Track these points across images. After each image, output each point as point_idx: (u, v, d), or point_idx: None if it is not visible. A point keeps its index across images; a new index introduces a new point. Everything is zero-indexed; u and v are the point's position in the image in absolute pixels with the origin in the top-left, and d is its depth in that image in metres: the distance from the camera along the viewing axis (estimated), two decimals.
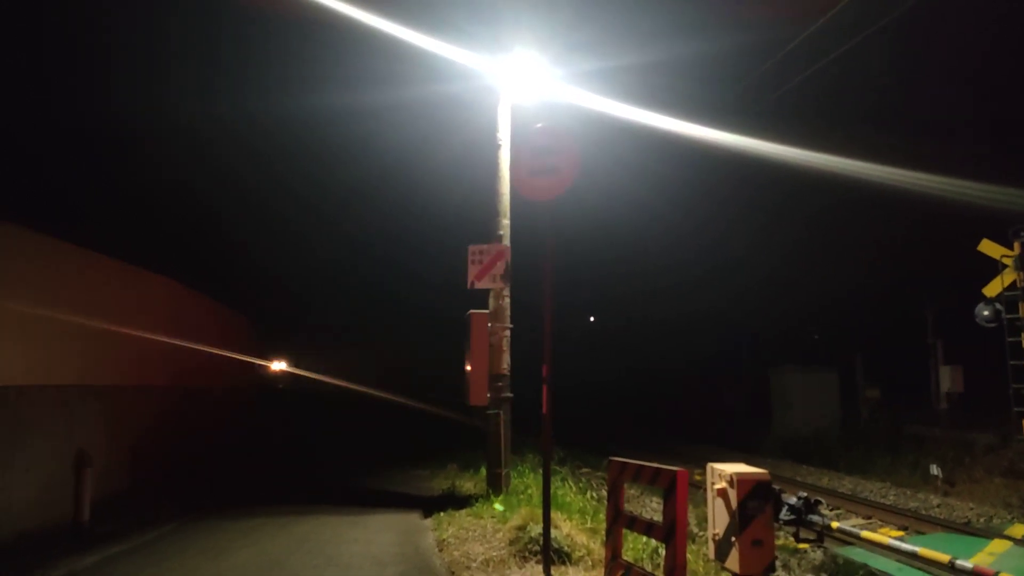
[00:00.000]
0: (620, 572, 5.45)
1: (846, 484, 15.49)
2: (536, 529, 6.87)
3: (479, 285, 9.54)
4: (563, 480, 10.72)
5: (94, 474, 8.36)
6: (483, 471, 10.45)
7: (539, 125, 6.80)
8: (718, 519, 5.32)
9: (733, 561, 5.09)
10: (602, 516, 7.60)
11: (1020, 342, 12.21)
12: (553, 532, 6.50)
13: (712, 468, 5.55)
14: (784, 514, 10.18)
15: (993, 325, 12.75)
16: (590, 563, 6.45)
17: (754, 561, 5.02)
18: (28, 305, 7.68)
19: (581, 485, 10.89)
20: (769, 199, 27.89)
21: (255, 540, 7.92)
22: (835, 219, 26.18)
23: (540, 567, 6.31)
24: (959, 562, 8.12)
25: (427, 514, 9.22)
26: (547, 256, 6.63)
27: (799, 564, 8.68)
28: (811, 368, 23.73)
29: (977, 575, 7.86)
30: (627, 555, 5.95)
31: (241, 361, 18.54)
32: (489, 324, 9.75)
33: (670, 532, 4.79)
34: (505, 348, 9.80)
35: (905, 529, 11.02)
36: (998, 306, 12.62)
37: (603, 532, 6.28)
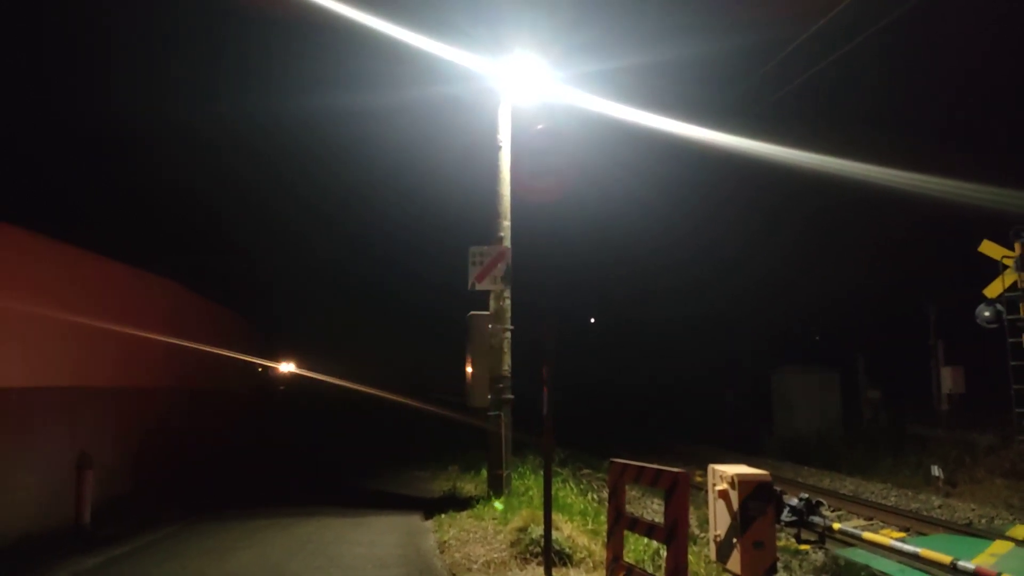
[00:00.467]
0: (621, 574, 5.46)
1: (847, 485, 15.47)
2: (537, 531, 6.87)
3: (480, 287, 9.54)
4: (564, 482, 10.72)
5: (96, 476, 8.37)
6: (484, 472, 10.46)
7: (539, 127, 6.83)
8: (719, 520, 5.33)
9: (735, 562, 5.10)
10: (603, 518, 7.60)
11: (1021, 343, 12.22)
12: (554, 534, 6.51)
13: (713, 469, 5.55)
14: (785, 515, 10.19)
15: (994, 326, 12.76)
16: (591, 565, 6.44)
17: (755, 562, 5.03)
18: (30, 307, 7.69)
19: (582, 487, 10.90)
20: (770, 200, 27.91)
21: (257, 542, 7.93)
22: (835, 220, 26.20)
23: (541, 569, 6.31)
24: (961, 563, 8.12)
25: (428, 516, 9.22)
26: (549, 256, 6.63)
27: (800, 565, 8.66)
28: (812, 369, 23.71)
29: None
30: (628, 557, 5.95)
31: (243, 363, 18.56)
32: (490, 326, 9.75)
33: (671, 533, 4.79)
34: (506, 349, 9.80)
35: (907, 530, 11.01)
36: (999, 307, 12.64)
37: (604, 534, 6.29)
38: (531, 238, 8.63)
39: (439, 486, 11.79)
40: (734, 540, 5.10)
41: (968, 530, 10.84)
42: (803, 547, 9.56)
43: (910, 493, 14.08)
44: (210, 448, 14.40)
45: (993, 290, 12.83)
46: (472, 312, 9.93)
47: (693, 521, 9.71)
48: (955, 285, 18.26)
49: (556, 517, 7.27)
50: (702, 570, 6.37)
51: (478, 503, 9.33)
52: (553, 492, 7.00)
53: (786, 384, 23.89)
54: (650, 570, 5.81)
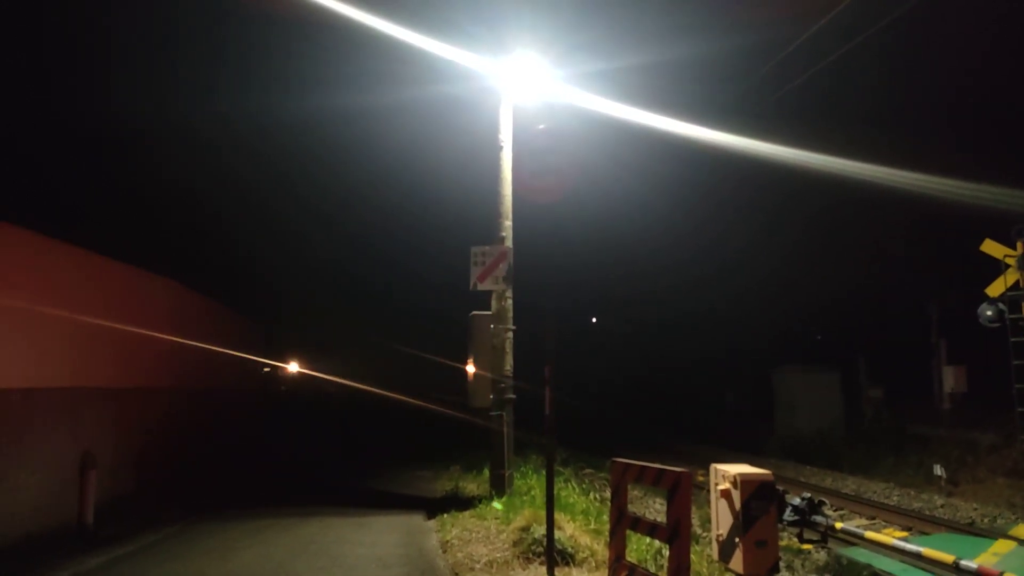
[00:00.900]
0: (624, 573, 5.45)
1: (849, 485, 15.46)
2: (539, 530, 6.88)
3: (482, 287, 9.54)
4: (566, 481, 10.71)
5: (99, 476, 8.39)
6: (486, 472, 10.46)
7: (541, 127, 6.82)
8: (722, 520, 5.33)
9: (737, 562, 5.10)
10: (605, 517, 7.60)
11: (1023, 342, 12.21)
12: (557, 533, 6.51)
13: (716, 469, 5.55)
14: (788, 515, 10.18)
15: (996, 325, 12.76)
16: (594, 564, 6.44)
17: (758, 562, 5.03)
18: (33, 308, 7.70)
19: (584, 486, 10.89)
20: (770, 199, 27.89)
21: (260, 542, 7.93)
22: (837, 219, 26.17)
23: (544, 568, 6.31)
24: (963, 562, 8.10)
25: (431, 515, 9.23)
26: (551, 256, 6.64)
27: (803, 565, 8.67)
28: (813, 368, 23.70)
29: (981, 575, 7.84)
30: (631, 556, 5.95)
31: (245, 363, 18.56)
32: (491, 325, 9.75)
33: (674, 533, 4.79)
34: (508, 349, 9.80)
35: (909, 530, 11.00)
36: (1001, 306, 12.63)
37: (607, 533, 6.28)
38: (532, 238, 8.62)
39: (441, 486, 11.79)
40: (736, 539, 5.10)
41: (971, 529, 10.83)
42: (805, 546, 9.56)
43: (912, 492, 14.07)
44: (212, 448, 14.40)
45: (995, 289, 12.82)
46: (474, 312, 9.93)
47: (695, 521, 9.71)
48: (957, 284, 18.26)
49: (558, 517, 7.27)
50: (704, 569, 6.36)
51: (480, 503, 9.33)
52: (555, 492, 7.00)
53: (787, 384, 23.87)
54: (652, 569, 5.81)
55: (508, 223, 10.00)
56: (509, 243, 9.90)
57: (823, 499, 11.85)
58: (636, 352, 39.74)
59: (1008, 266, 12.51)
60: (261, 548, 7.63)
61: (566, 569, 6.33)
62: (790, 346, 28.87)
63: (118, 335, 9.71)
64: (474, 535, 7.78)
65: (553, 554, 6.25)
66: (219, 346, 14.59)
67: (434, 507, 9.65)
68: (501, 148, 10.11)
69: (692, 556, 5.35)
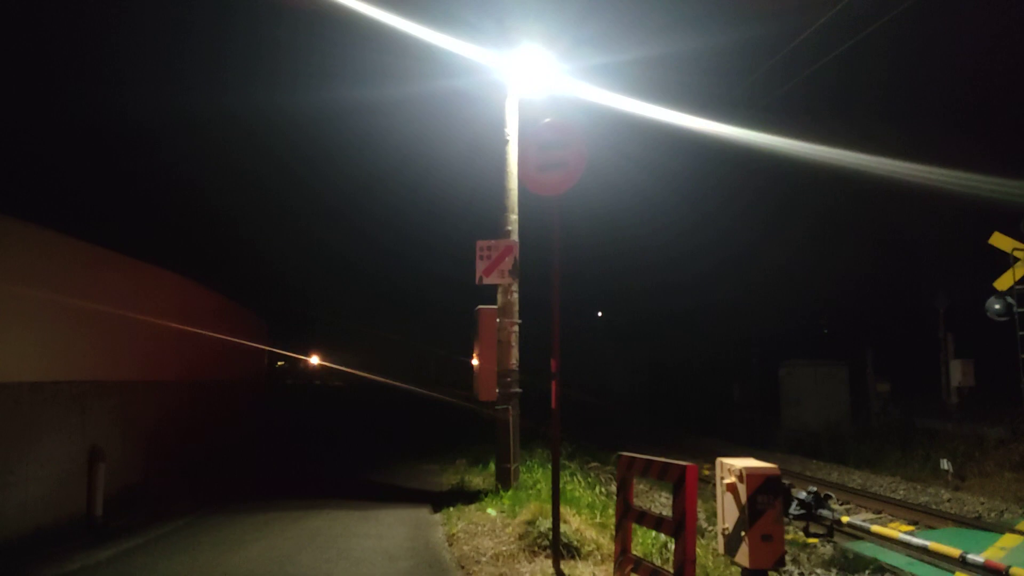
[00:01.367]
0: (629, 567, 5.47)
1: (856, 479, 15.45)
2: (545, 524, 6.89)
3: (487, 281, 9.55)
4: (572, 475, 10.74)
5: (107, 469, 8.45)
6: (492, 466, 10.48)
7: (547, 120, 6.79)
8: (728, 514, 5.33)
9: (743, 556, 5.10)
10: (611, 511, 7.61)
11: None
12: (562, 527, 6.52)
13: (722, 463, 5.55)
14: (794, 509, 10.16)
15: (1004, 319, 12.68)
16: (599, 558, 6.46)
17: (764, 555, 5.03)
18: (42, 302, 7.75)
19: (590, 480, 10.90)
20: (778, 193, 27.83)
21: (267, 534, 7.98)
22: (844, 213, 26.09)
23: (550, 562, 6.33)
24: (970, 557, 8.08)
25: (437, 509, 9.26)
26: (555, 250, 6.64)
27: (809, 559, 8.68)
28: (820, 362, 23.65)
29: (988, 570, 7.82)
30: (636, 550, 5.97)
31: (253, 356, 18.65)
32: (497, 320, 9.76)
33: (679, 527, 4.80)
34: (513, 343, 9.82)
35: (915, 524, 10.99)
36: (1009, 299, 12.55)
37: (612, 527, 6.30)
38: (539, 232, 8.61)
39: (447, 479, 11.83)
40: (742, 533, 5.10)
41: (977, 523, 10.81)
42: (811, 540, 9.55)
43: (919, 487, 14.05)
44: (221, 440, 14.48)
45: (1003, 283, 12.75)
46: (480, 306, 9.95)
47: (701, 514, 9.72)
48: (965, 278, 18.18)
49: (564, 510, 7.28)
50: (710, 563, 6.38)
51: (486, 496, 9.36)
52: (561, 485, 7.01)
53: (794, 378, 23.84)
54: (658, 563, 5.82)
55: (514, 217, 10.00)
56: (515, 237, 9.90)
57: (829, 493, 11.81)
58: (642, 346, 39.73)
59: (1017, 259, 12.43)
60: (269, 540, 7.68)
61: (572, 562, 6.35)
62: (797, 340, 28.83)
63: (127, 328, 9.76)
64: (480, 528, 7.81)
65: (559, 547, 6.27)
66: (228, 340, 14.65)
67: (440, 500, 9.69)
68: (507, 142, 10.10)
69: (698, 550, 5.36)
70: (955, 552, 8.30)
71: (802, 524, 10.12)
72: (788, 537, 8.87)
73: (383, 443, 18.61)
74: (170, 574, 6.51)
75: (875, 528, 10.04)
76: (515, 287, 9.86)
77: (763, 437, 22.29)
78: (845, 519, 10.47)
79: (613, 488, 8.84)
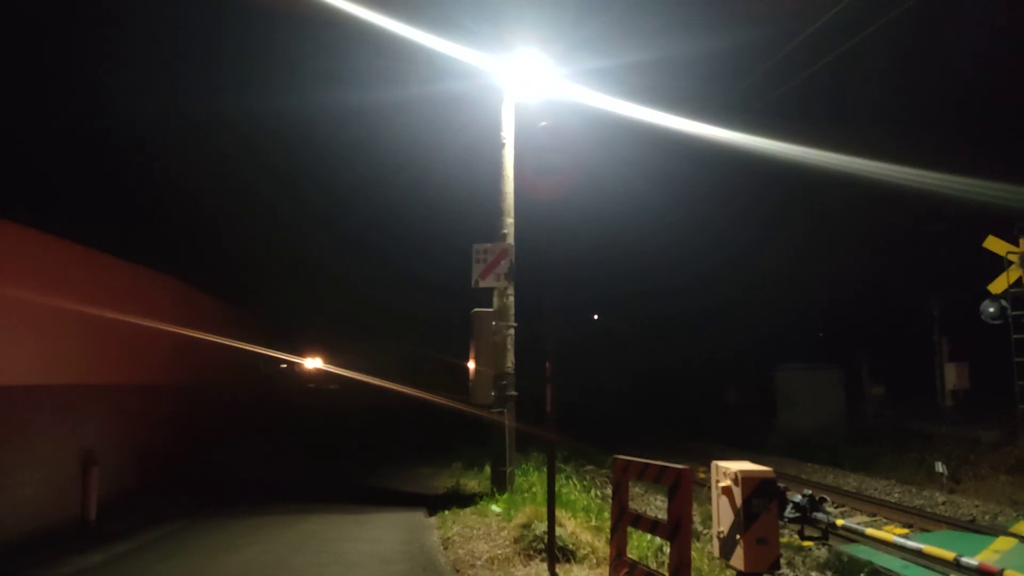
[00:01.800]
0: (624, 570, 5.46)
1: (851, 482, 15.47)
2: (540, 527, 6.88)
3: (483, 284, 9.55)
4: (567, 478, 10.73)
5: (100, 473, 8.42)
6: (487, 469, 10.47)
7: (543, 124, 6.80)
8: (723, 517, 5.33)
9: (738, 559, 5.10)
10: (606, 514, 7.61)
11: None
12: (558, 530, 6.51)
13: (717, 466, 5.56)
14: (789, 512, 10.20)
15: (999, 322, 12.75)
16: (595, 561, 6.45)
17: (759, 559, 5.03)
18: (35, 305, 7.72)
19: (585, 483, 10.90)
20: (773, 196, 27.88)
21: (261, 538, 7.96)
22: (839, 216, 26.15)
23: (545, 565, 6.32)
24: (964, 559, 8.11)
25: (432, 512, 9.24)
26: (550, 254, 6.64)
27: (804, 562, 8.68)
28: (815, 366, 23.71)
29: (982, 572, 7.85)
30: (632, 553, 5.96)
31: (246, 360, 18.59)
32: (493, 323, 9.76)
33: (675, 530, 4.80)
34: (509, 347, 9.81)
35: (910, 527, 11.00)
36: (1003, 303, 12.62)
37: (608, 530, 6.29)
38: (535, 236, 8.62)
39: (442, 483, 11.81)
40: (737, 536, 5.10)
41: (972, 526, 10.83)
42: (806, 543, 9.57)
43: (914, 489, 14.07)
44: (215, 444, 14.43)
45: (998, 286, 12.81)
46: (476, 309, 9.94)
47: (696, 518, 9.71)
48: (959, 281, 18.24)
49: (559, 514, 7.28)
50: (705, 566, 6.38)
51: (481, 499, 9.35)
52: (557, 489, 7.01)
53: (789, 381, 23.90)
54: (653, 566, 5.82)
55: (510, 220, 10.00)
56: (511, 240, 9.90)
57: (824, 496, 11.86)
58: (638, 349, 39.74)
59: (1011, 263, 12.49)
60: (262, 544, 7.66)
61: (567, 566, 6.34)
62: (792, 343, 28.89)
63: (120, 332, 9.73)
64: (475, 532, 7.79)
65: (554, 551, 6.26)
66: (222, 343, 14.61)
67: (435, 504, 9.67)
68: (503, 145, 10.11)
69: (693, 553, 5.35)
70: (949, 555, 8.33)
71: (797, 527, 10.15)
72: (783, 540, 8.88)
73: (378, 446, 18.58)
74: None
75: (870, 531, 10.08)
76: (511, 290, 9.86)
77: (758, 440, 22.31)
78: (840, 522, 10.50)
79: (608, 491, 8.84)
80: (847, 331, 26.86)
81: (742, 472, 5.15)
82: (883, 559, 8.84)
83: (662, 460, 5.45)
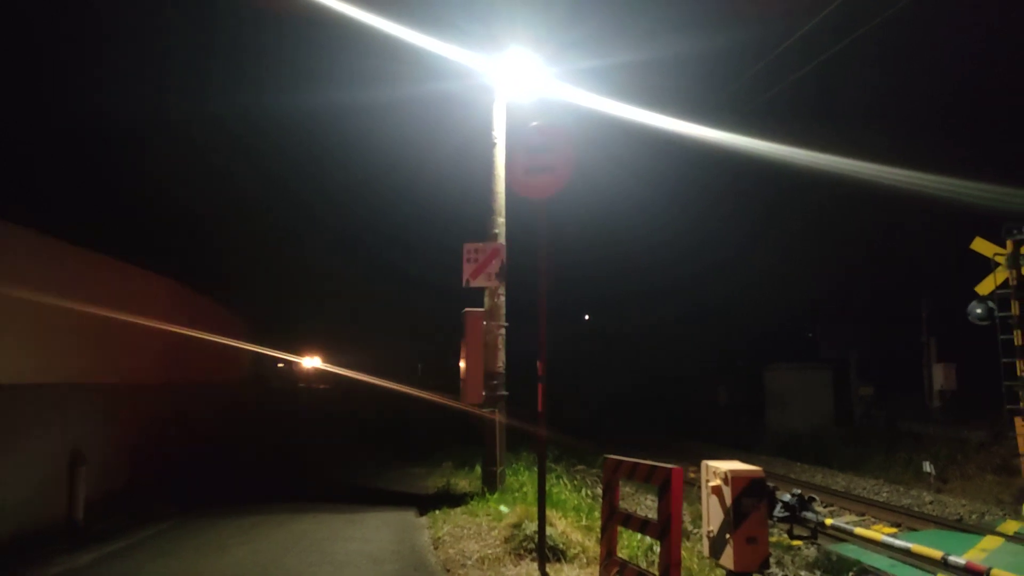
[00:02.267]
0: (615, 570, 5.48)
1: (840, 481, 15.56)
2: (531, 527, 6.89)
3: (474, 283, 9.55)
4: (558, 478, 10.75)
5: (89, 472, 8.36)
6: (478, 469, 10.47)
7: (534, 123, 6.81)
8: (713, 516, 5.35)
9: (728, 558, 5.12)
10: (597, 514, 7.62)
11: (1012, 340, 12.28)
12: (548, 530, 6.52)
13: (707, 465, 5.57)
14: (778, 511, 10.20)
15: (986, 323, 12.82)
16: (585, 560, 6.47)
17: (748, 558, 5.05)
18: (22, 303, 7.66)
19: (576, 483, 10.92)
20: (763, 197, 28.03)
21: (252, 538, 7.92)
22: (829, 217, 26.31)
23: (535, 565, 6.32)
24: (951, 558, 8.14)
25: (422, 512, 9.23)
26: (541, 253, 6.65)
27: (793, 561, 8.72)
28: (805, 366, 23.82)
29: (969, 571, 7.89)
30: (622, 552, 5.97)
31: (237, 359, 18.53)
32: (484, 322, 9.76)
33: (665, 529, 4.81)
34: (500, 346, 9.82)
35: (898, 526, 11.08)
36: (991, 304, 12.68)
37: (598, 530, 6.30)
38: (526, 235, 8.63)
39: (433, 482, 11.80)
40: (727, 536, 5.12)
41: (959, 526, 10.92)
42: (795, 543, 9.60)
43: (902, 489, 14.17)
44: (205, 443, 14.37)
45: (985, 287, 12.88)
46: (467, 309, 9.94)
47: (686, 517, 9.74)
48: (947, 282, 18.38)
49: (550, 513, 7.29)
50: (695, 565, 6.40)
51: (472, 499, 9.34)
52: (547, 488, 7.01)
53: (779, 381, 24.01)
54: (644, 566, 5.83)
55: (501, 220, 10.01)
56: (502, 240, 9.91)
57: (813, 496, 11.86)
58: (629, 349, 39.82)
59: (998, 264, 12.56)
60: (253, 544, 7.63)
61: (558, 565, 6.35)
62: (782, 343, 29.03)
63: (108, 331, 9.67)
64: (466, 532, 7.79)
65: (545, 550, 6.27)
66: (212, 343, 14.55)
67: (426, 503, 9.66)
68: (494, 145, 10.11)
69: (683, 552, 5.37)
70: (937, 554, 8.37)
71: (786, 526, 10.14)
72: (772, 539, 8.90)
73: (369, 445, 18.53)
74: None
75: (858, 530, 10.10)
76: (502, 290, 9.86)
77: (748, 440, 22.41)
78: (829, 521, 10.52)
79: (599, 491, 8.85)
80: (836, 331, 27.01)
81: (732, 471, 5.16)
82: (871, 558, 8.90)
83: (652, 459, 5.47)
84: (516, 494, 9.25)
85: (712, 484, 5.34)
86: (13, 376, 7.57)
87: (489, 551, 6.89)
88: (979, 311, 12.81)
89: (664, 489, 4.90)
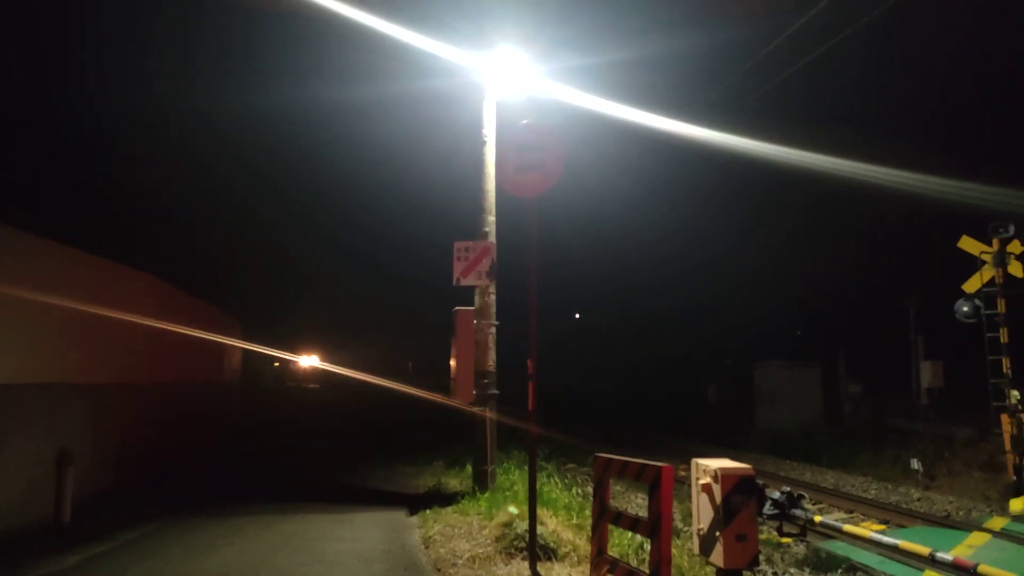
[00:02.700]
0: (606, 568, 5.48)
1: (828, 478, 15.63)
2: (522, 525, 6.89)
3: (465, 282, 9.52)
4: (549, 476, 10.74)
5: (76, 473, 8.29)
6: (469, 468, 10.46)
7: (524, 122, 6.80)
8: (703, 514, 5.36)
9: (717, 555, 5.13)
10: (588, 512, 7.63)
11: (999, 338, 12.39)
12: (539, 528, 6.52)
13: (697, 463, 5.58)
14: (768, 508, 10.24)
15: (972, 321, 12.92)
16: (576, 559, 6.47)
17: (738, 555, 5.06)
18: (7, 301, 7.58)
19: (567, 481, 10.92)
20: (752, 196, 28.17)
21: (241, 538, 7.88)
22: (817, 216, 26.47)
23: (526, 563, 6.32)
24: (939, 555, 8.21)
25: (413, 511, 9.21)
26: (532, 252, 6.64)
27: (782, 558, 8.76)
28: (794, 364, 23.92)
29: (957, 567, 7.95)
30: (613, 551, 5.98)
31: (227, 358, 18.42)
32: (475, 321, 9.74)
33: (655, 527, 4.82)
34: (491, 345, 9.80)
35: (887, 523, 11.14)
36: (977, 302, 12.79)
37: (589, 528, 6.31)
38: (516, 234, 8.63)
39: (424, 482, 11.78)
40: (717, 533, 5.13)
41: (946, 522, 10.99)
42: (785, 540, 9.64)
43: (890, 486, 14.25)
44: (194, 443, 14.28)
45: (972, 285, 12.99)
46: (457, 307, 9.91)
47: (677, 515, 9.77)
48: (934, 280, 18.52)
49: (541, 512, 7.29)
50: (685, 563, 6.42)
51: (463, 498, 9.33)
52: (538, 487, 7.01)
53: (768, 379, 24.09)
54: (634, 563, 5.84)
55: (491, 218, 9.99)
56: (493, 238, 9.89)
57: (803, 493, 11.92)
58: (619, 348, 39.92)
59: (984, 262, 12.67)
60: (242, 544, 7.58)
61: (548, 564, 6.35)
62: (771, 341, 29.18)
63: (96, 330, 9.59)
64: (456, 531, 7.78)
65: (535, 549, 6.27)
66: (201, 342, 14.46)
67: (417, 503, 9.63)
68: (484, 143, 10.09)
69: (673, 550, 5.38)
70: (925, 550, 8.43)
71: (776, 524, 10.19)
72: (762, 537, 8.95)
73: (359, 445, 18.48)
74: None
75: (847, 527, 10.16)
76: (492, 288, 9.85)
77: (738, 438, 22.48)
78: (818, 518, 10.58)
79: (589, 489, 8.87)
80: (825, 329, 27.19)
81: (722, 469, 5.18)
82: (860, 555, 8.95)
83: (643, 457, 5.47)
84: (507, 493, 9.24)
85: (702, 482, 5.35)
86: (1, 376, 7.49)
87: (480, 550, 6.88)
88: (966, 309, 12.91)
89: (654, 487, 4.91)
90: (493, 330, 9.85)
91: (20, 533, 7.53)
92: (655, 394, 34.41)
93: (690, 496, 5.76)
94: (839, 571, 8.25)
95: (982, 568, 6.72)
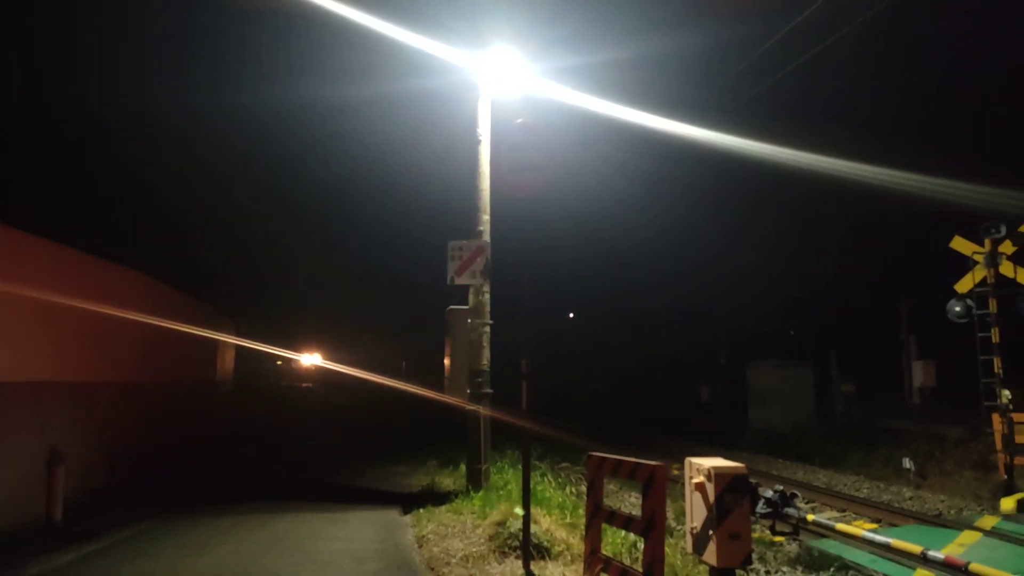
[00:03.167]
0: (599, 566, 5.48)
1: (821, 477, 15.68)
2: (516, 524, 6.89)
3: (459, 281, 9.52)
4: (542, 475, 10.74)
5: (68, 472, 8.25)
6: (462, 467, 10.45)
7: (519, 120, 6.79)
8: (696, 513, 5.37)
9: (711, 554, 5.14)
10: (581, 511, 7.63)
11: (990, 337, 12.45)
12: (533, 527, 6.52)
13: (690, 462, 5.59)
14: (760, 507, 10.27)
15: (964, 321, 12.98)
16: (569, 558, 6.47)
17: (731, 554, 5.07)
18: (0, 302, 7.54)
19: (560, 480, 10.92)
20: (746, 196, 28.24)
21: (233, 537, 7.86)
22: (810, 216, 26.55)
23: (520, 562, 6.32)
24: (931, 553, 8.23)
25: (406, 511, 9.20)
26: (526, 251, 6.64)
27: (775, 557, 8.78)
28: (786, 363, 23.97)
29: (948, 566, 7.98)
30: (606, 549, 5.98)
31: (221, 357, 18.36)
32: (469, 320, 9.73)
33: (649, 526, 4.82)
34: (485, 344, 9.80)
35: (878, 521, 11.19)
36: (969, 302, 12.85)
37: (582, 527, 6.31)
38: (511, 233, 8.62)
39: (418, 481, 11.77)
40: (710, 532, 5.14)
41: (938, 521, 11.04)
42: (778, 538, 9.66)
43: (882, 485, 14.30)
44: (185, 442, 14.23)
45: (964, 285, 13.05)
46: (451, 307, 9.91)
47: (670, 514, 9.79)
48: (926, 280, 18.59)
49: (534, 511, 7.28)
50: (678, 562, 6.43)
51: (456, 497, 9.33)
52: (532, 486, 7.01)
53: (761, 378, 24.14)
54: (627, 562, 5.84)
55: (486, 217, 9.98)
56: (487, 238, 9.88)
57: (795, 492, 11.95)
58: (613, 347, 39.95)
59: (976, 263, 12.73)
60: (234, 544, 7.56)
61: (542, 563, 6.35)
62: (764, 341, 29.22)
63: (88, 329, 9.54)
64: (450, 530, 7.77)
65: (529, 548, 6.27)
66: (194, 340, 14.40)
67: (410, 502, 9.63)
68: (479, 142, 10.08)
69: (666, 549, 5.39)
70: (916, 549, 8.46)
71: (768, 522, 10.21)
72: (755, 535, 8.96)
73: (353, 444, 18.45)
74: None
75: (839, 526, 10.18)
76: (487, 288, 9.84)
77: (731, 437, 22.52)
78: (810, 517, 10.60)
79: (583, 488, 8.86)
80: (817, 329, 27.26)
81: (715, 468, 5.18)
82: (852, 553, 8.98)
83: (636, 456, 5.48)
84: (501, 492, 9.24)
85: (695, 481, 5.36)
86: None
87: (473, 549, 6.88)
88: (958, 309, 12.96)
89: (648, 486, 4.92)
90: (487, 329, 9.85)
91: (11, 532, 7.49)
92: (649, 393, 34.43)
93: (683, 495, 5.77)
94: (831, 569, 8.27)
95: (973, 566, 6.74)
